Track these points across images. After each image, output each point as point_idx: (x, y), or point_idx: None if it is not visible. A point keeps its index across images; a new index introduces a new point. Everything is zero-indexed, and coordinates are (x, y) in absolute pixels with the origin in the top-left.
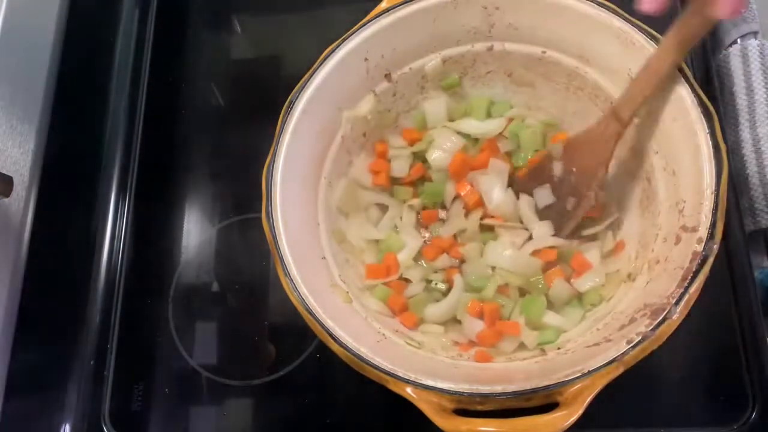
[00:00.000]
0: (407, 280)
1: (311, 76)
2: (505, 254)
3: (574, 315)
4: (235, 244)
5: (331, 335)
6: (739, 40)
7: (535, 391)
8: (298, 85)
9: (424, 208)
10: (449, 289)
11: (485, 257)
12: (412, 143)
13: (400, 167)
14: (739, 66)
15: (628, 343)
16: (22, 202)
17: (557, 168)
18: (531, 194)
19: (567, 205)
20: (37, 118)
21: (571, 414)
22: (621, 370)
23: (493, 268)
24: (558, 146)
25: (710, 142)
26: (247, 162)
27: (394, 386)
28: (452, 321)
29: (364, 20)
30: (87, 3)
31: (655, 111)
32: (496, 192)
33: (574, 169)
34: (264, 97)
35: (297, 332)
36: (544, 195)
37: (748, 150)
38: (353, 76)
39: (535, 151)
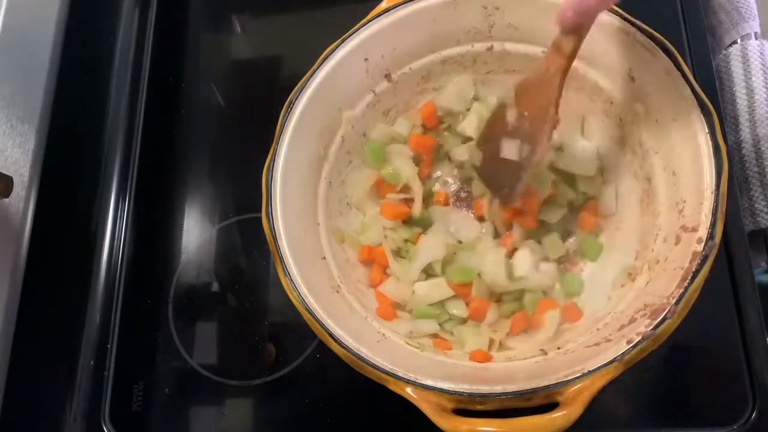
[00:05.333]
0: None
1: (311, 76)
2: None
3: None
4: (235, 244)
5: (331, 335)
6: (739, 40)
7: (535, 391)
8: (298, 85)
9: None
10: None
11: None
12: None
13: None
14: (739, 66)
15: (628, 343)
16: (22, 202)
17: (511, 115)
18: (498, 152)
19: (522, 153)
20: (37, 118)
21: (571, 414)
22: (621, 370)
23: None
24: (509, 93)
25: (710, 142)
26: (247, 162)
27: (394, 386)
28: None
29: (364, 20)
30: (87, 3)
31: (654, 111)
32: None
33: (526, 114)
34: (264, 97)
35: (297, 332)
36: (512, 147)
37: (748, 150)
38: (353, 76)
39: None
